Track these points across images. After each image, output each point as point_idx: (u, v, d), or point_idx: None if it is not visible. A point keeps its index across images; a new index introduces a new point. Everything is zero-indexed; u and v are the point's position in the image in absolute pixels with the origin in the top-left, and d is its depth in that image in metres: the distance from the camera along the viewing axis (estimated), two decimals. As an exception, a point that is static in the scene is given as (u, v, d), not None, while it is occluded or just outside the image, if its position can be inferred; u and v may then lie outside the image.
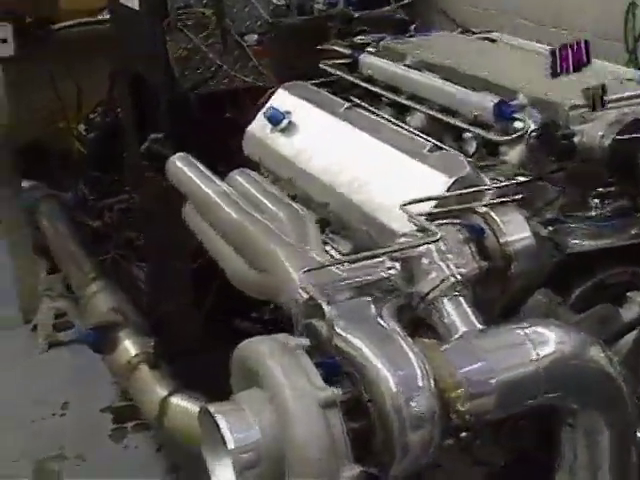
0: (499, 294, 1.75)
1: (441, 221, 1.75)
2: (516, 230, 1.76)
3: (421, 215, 1.74)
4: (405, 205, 1.77)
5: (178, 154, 2.41)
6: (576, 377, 1.52)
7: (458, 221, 1.75)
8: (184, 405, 2.71)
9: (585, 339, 1.54)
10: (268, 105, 2.53)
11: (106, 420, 3.94)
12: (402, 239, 1.70)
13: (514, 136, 1.92)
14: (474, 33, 2.69)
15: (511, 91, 2.06)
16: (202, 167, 2.35)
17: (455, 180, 1.87)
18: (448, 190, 1.86)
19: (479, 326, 1.59)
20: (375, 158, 2.11)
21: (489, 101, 2.02)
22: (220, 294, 3.19)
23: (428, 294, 1.62)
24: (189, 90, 3.28)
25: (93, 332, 3.04)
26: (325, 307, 1.45)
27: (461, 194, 1.80)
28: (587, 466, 1.57)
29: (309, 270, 1.55)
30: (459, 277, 1.64)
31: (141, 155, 3.34)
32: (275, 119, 2.43)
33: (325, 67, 2.60)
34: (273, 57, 2.99)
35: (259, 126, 2.52)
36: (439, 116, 2.17)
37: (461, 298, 1.63)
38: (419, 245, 1.62)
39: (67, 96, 4.79)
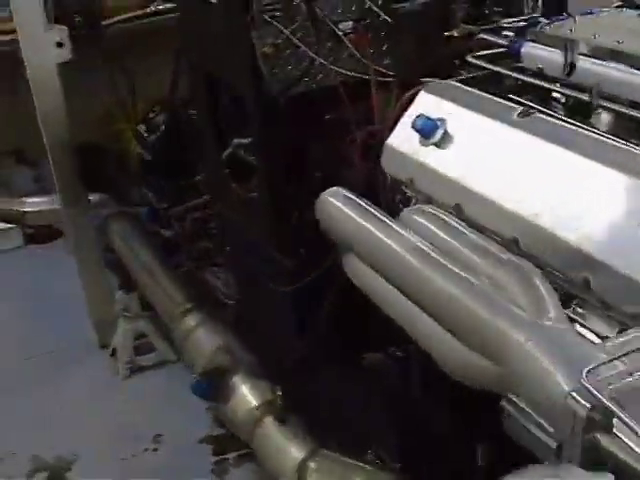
0: None
1: None
2: None
3: None
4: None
5: (330, 190, 1.99)
6: None
7: None
8: (327, 468, 2.34)
9: None
10: (412, 111, 2.13)
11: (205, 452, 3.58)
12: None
13: None
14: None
15: None
16: (367, 205, 1.92)
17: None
18: None
19: None
20: (584, 181, 1.71)
21: None
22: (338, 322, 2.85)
23: None
24: (281, 90, 2.89)
25: (203, 380, 2.67)
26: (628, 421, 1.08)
27: None
28: None
29: (593, 368, 1.17)
30: None
31: (223, 162, 2.97)
32: (427, 130, 2.04)
33: (475, 60, 2.18)
34: (391, 50, 2.58)
35: (403, 138, 2.13)
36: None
37: None
38: None
39: (123, 96, 4.42)
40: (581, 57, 1.97)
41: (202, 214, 4.02)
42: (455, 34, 2.44)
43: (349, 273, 1.88)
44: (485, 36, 2.23)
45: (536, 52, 2.05)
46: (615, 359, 1.19)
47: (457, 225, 1.77)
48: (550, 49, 2.04)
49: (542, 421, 1.31)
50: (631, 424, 1.11)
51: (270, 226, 3.14)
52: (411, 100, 2.18)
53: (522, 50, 2.06)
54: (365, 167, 2.62)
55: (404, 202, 2.17)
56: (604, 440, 1.16)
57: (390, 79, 2.58)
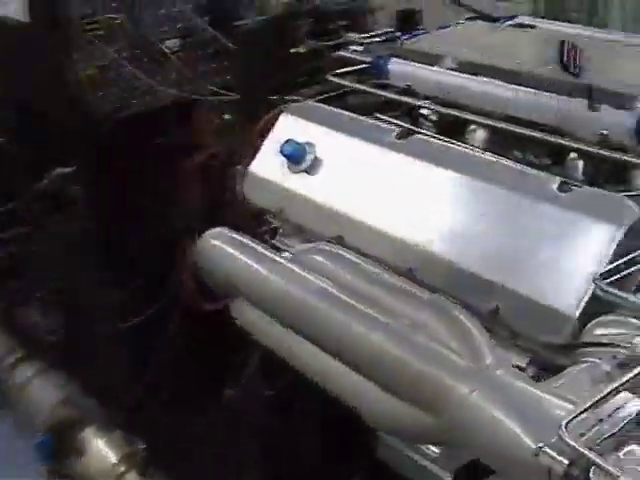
0: None
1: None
2: None
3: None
4: (600, 279, 1.32)
5: (212, 231, 1.79)
6: None
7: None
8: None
9: None
10: (275, 136, 1.99)
11: None
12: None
13: None
14: (496, 20, 2.22)
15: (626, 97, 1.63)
16: (258, 246, 1.73)
17: (628, 229, 1.42)
18: (613, 245, 1.42)
19: None
20: (474, 203, 1.63)
21: (615, 115, 1.59)
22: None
23: None
24: (105, 115, 2.69)
25: (47, 437, 2.40)
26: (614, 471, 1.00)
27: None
28: None
29: (570, 421, 1.07)
30: None
31: (41, 193, 2.79)
32: (297, 156, 1.90)
33: (335, 79, 2.06)
34: (233, 69, 2.43)
35: (269, 165, 1.97)
36: (539, 136, 1.70)
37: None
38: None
39: None
40: (451, 72, 1.89)
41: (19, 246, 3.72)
42: (301, 50, 2.33)
43: (240, 320, 1.70)
44: (345, 53, 2.11)
45: (405, 69, 1.95)
46: (586, 410, 1.10)
47: (365, 264, 1.62)
48: (419, 65, 1.95)
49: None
50: (616, 473, 1.03)
51: (97, 260, 2.94)
52: (270, 122, 2.03)
53: (389, 67, 1.96)
54: (209, 193, 2.47)
55: (270, 233, 2.03)
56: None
57: (230, 98, 2.45)
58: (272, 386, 2.18)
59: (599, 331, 1.34)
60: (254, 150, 2.03)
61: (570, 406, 1.13)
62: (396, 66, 1.96)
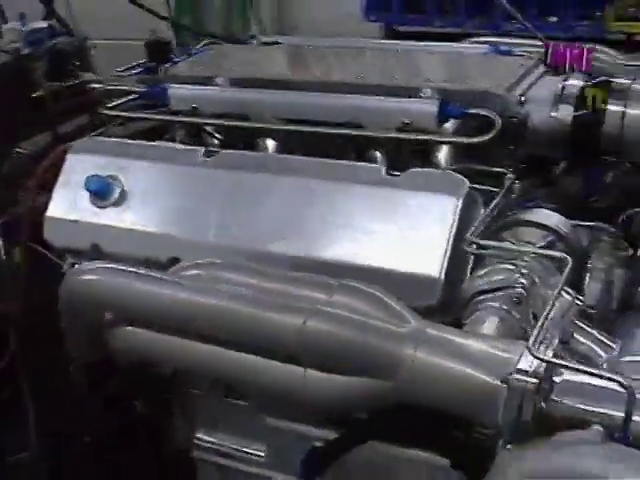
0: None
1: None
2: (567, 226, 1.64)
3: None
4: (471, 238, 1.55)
5: (82, 267, 1.70)
6: None
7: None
8: None
9: None
10: (66, 177, 1.96)
11: None
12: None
13: (492, 134, 1.75)
14: (242, 42, 2.36)
15: (412, 89, 1.87)
16: (137, 270, 1.68)
17: (464, 199, 1.66)
18: (457, 213, 1.65)
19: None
20: (313, 201, 1.76)
21: (420, 104, 1.82)
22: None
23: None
24: None
25: None
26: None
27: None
28: None
29: (535, 340, 1.27)
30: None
31: None
32: (104, 190, 1.90)
33: (111, 112, 2.08)
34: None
35: (69, 206, 1.95)
36: (340, 132, 1.87)
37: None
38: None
39: None
40: (235, 88, 2.01)
41: None
42: (42, 93, 2.30)
43: (126, 347, 1.66)
44: (118, 85, 2.12)
45: (185, 92, 2.02)
46: (543, 325, 1.30)
47: (256, 267, 1.67)
48: (199, 87, 2.03)
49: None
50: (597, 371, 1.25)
51: None
52: (53, 165, 2.00)
53: (170, 92, 2.02)
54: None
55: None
56: (556, 406, 1.27)
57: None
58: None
59: (480, 282, 1.56)
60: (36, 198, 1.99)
61: (508, 342, 1.33)
62: (176, 91, 2.02)
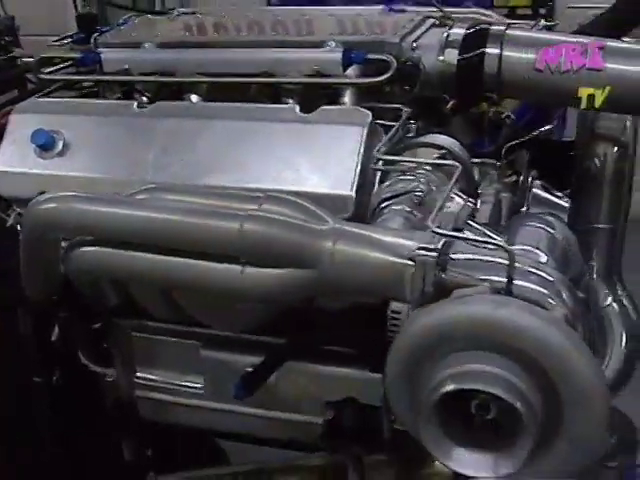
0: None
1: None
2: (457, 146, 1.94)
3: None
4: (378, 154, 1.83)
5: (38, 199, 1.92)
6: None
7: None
8: None
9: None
10: (11, 133, 2.17)
11: None
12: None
13: (389, 74, 2.04)
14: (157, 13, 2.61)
15: (317, 42, 2.15)
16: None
17: (368, 128, 1.93)
18: (363, 139, 1.92)
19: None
20: (238, 140, 2.01)
21: (327, 52, 2.09)
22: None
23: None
24: None
25: None
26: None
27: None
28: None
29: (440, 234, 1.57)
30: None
31: None
32: (49, 143, 2.12)
33: (48, 77, 2.30)
34: None
35: (16, 160, 2.15)
36: (264, 80, 2.14)
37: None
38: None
39: None
40: (164, 50, 2.25)
41: None
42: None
43: (82, 266, 1.89)
44: (55, 54, 2.34)
45: (118, 55, 2.26)
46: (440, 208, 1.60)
47: (194, 188, 1.92)
48: (130, 50, 2.27)
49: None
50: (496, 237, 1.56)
51: None
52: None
53: (103, 57, 2.25)
54: None
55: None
56: (453, 276, 1.56)
57: None
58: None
59: (385, 192, 1.84)
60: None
61: (410, 231, 1.62)
62: (109, 55, 2.26)
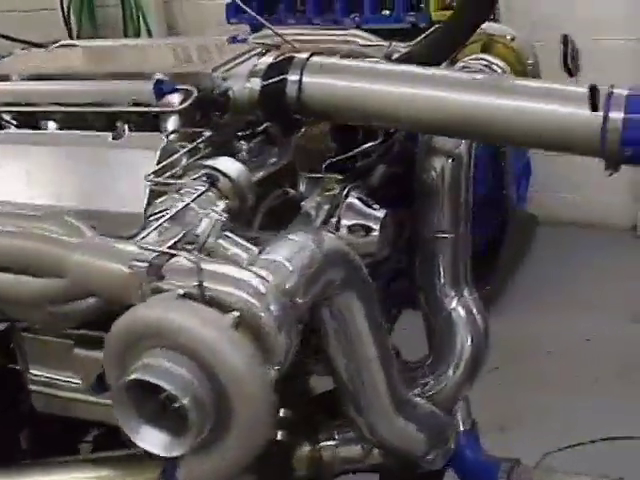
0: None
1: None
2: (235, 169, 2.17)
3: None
4: (151, 176, 2.09)
5: None
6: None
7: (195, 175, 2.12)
8: None
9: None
10: None
11: None
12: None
13: (187, 104, 2.29)
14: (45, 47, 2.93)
15: (147, 74, 2.41)
16: None
17: (160, 152, 2.19)
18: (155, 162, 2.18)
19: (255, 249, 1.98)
20: (61, 165, 2.30)
21: (143, 84, 2.36)
22: None
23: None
24: None
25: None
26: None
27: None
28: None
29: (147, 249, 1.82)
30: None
31: None
32: None
33: None
34: None
35: None
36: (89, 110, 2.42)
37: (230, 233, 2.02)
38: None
39: None
40: (23, 82, 2.56)
41: None
42: None
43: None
44: None
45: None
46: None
47: None
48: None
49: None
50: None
51: None
52: None
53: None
54: None
55: None
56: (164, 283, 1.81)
57: None
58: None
59: (152, 209, 2.09)
60: None
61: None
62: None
